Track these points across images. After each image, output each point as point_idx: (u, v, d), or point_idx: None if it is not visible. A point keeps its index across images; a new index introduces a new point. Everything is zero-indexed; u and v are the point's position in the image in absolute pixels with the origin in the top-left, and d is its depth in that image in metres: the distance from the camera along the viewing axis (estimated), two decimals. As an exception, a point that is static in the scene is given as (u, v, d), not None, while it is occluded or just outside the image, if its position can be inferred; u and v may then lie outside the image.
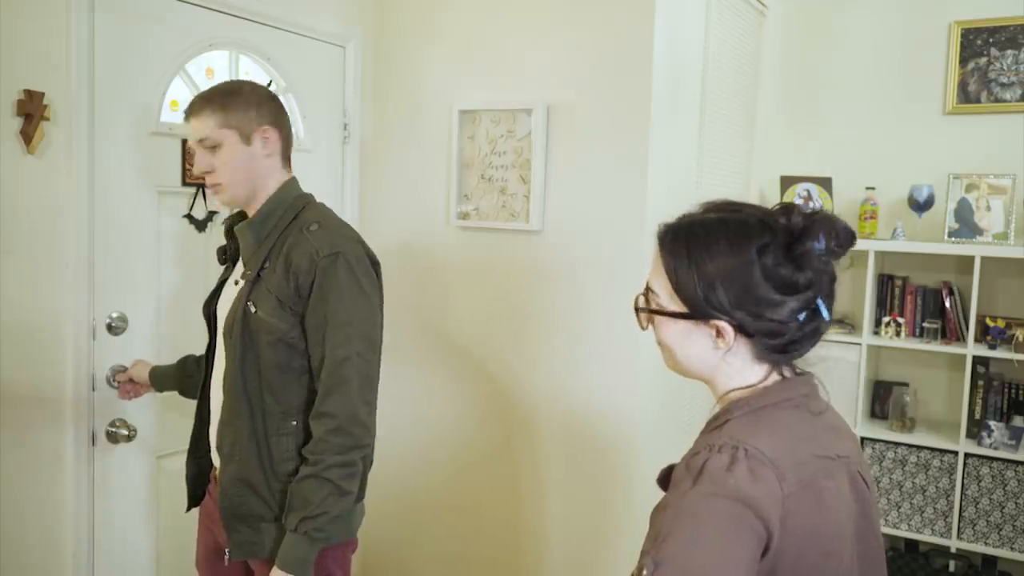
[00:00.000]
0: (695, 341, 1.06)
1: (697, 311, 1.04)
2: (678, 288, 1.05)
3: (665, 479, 1.05)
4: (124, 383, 2.05)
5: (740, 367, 1.06)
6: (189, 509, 1.90)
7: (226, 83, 1.73)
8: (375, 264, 1.72)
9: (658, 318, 1.08)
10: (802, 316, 1.02)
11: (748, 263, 1.01)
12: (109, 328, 2.09)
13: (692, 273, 1.03)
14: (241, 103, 1.65)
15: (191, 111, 1.67)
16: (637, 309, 1.11)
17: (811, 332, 1.04)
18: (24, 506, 1.94)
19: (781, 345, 1.03)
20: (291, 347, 1.63)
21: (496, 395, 2.67)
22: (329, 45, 2.67)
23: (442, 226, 2.74)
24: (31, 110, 1.84)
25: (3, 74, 1.81)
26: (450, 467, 2.76)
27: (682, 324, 1.06)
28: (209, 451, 1.82)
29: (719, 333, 1.03)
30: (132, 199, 2.12)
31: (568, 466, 2.56)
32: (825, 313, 1.02)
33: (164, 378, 2.02)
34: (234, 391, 1.65)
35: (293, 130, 1.81)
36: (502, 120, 2.58)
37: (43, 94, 1.87)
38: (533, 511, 2.62)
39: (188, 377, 1.98)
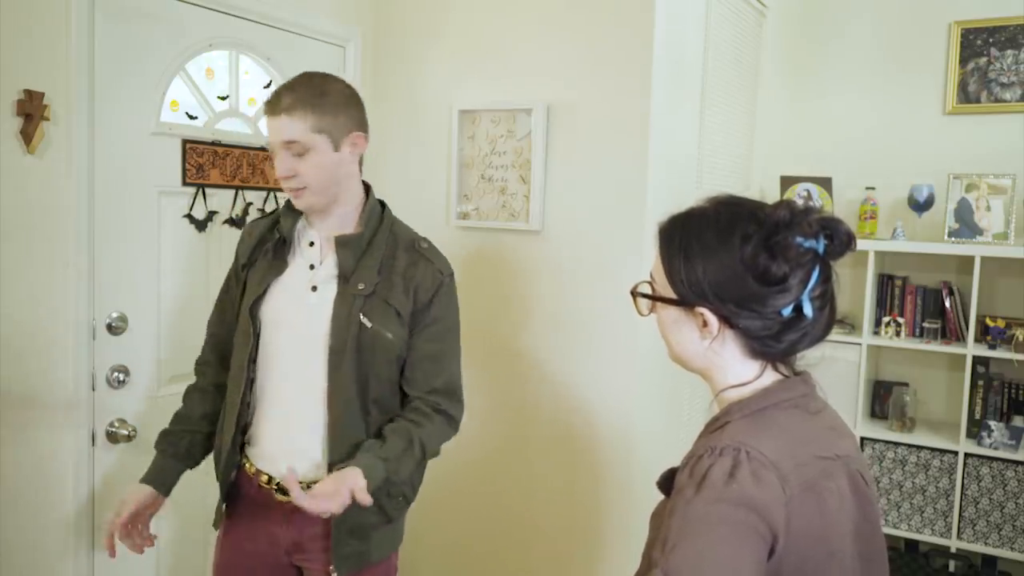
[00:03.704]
0: (683, 329, 1.08)
1: (684, 298, 1.06)
2: (669, 275, 1.07)
3: (665, 482, 1.05)
4: (124, 527, 1.66)
5: (731, 361, 1.06)
6: (218, 524, 1.76)
7: (313, 78, 1.60)
8: None
9: (657, 305, 1.10)
10: (786, 312, 1.01)
11: (731, 252, 1.02)
12: (109, 328, 2.09)
13: (680, 261, 1.06)
14: (331, 105, 1.57)
15: (279, 107, 1.54)
16: (633, 293, 1.13)
17: (798, 330, 1.03)
18: (24, 506, 1.94)
19: (766, 340, 1.03)
20: (398, 361, 1.68)
21: (495, 394, 2.67)
22: (329, 45, 2.67)
23: (442, 226, 2.74)
24: (31, 110, 1.84)
25: (3, 74, 1.81)
26: (450, 465, 2.76)
27: (672, 311, 1.08)
28: (240, 457, 1.71)
29: (704, 323, 1.04)
30: (132, 199, 2.12)
31: (567, 464, 2.56)
32: (808, 311, 1.01)
33: (163, 473, 1.72)
34: (348, 406, 1.61)
35: None
36: (502, 120, 2.58)
37: (43, 94, 1.87)
38: (532, 508, 2.62)
39: (190, 445, 1.76)
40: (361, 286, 1.62)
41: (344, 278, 1.63)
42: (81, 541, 2.05)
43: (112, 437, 2.11)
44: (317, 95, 1.56)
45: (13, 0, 1.82)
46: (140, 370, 2.17)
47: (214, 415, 1.77)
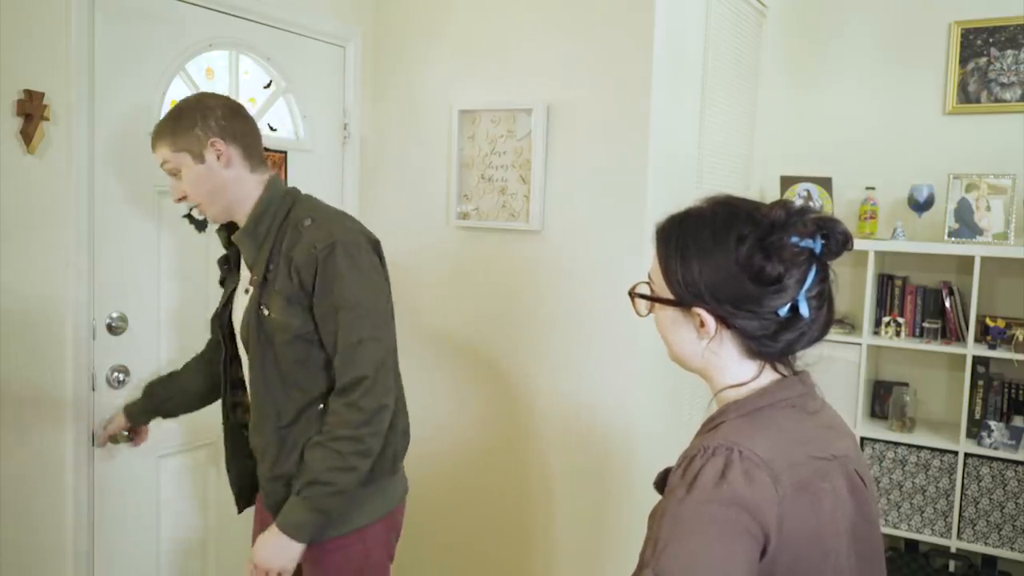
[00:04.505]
0: (681, 329, 1.08)
1: (680, 299, 1.06)
2: (666, 276, 1.07)
3: (662, 483, 1.05)
4: (109, 435, 2.05)
5: (729, 361, 1.06)
6: (241, 511, 1.94)
7: (177, 104, 1.72)
8: (374, 243, 1.73)
9: (655, 306, 1.10)
10: (783, 312, 1.01)
11: (726, 253, 1.02)
12: (109, 328, 2.09)
13: (677, 261, 1.05)
14: (185, 123, 1.66)
15: (151, 142, 1.71)
16: (631, 293, 1.13)
17: (795, 330, 1.02)
18: (24, 506, 1.94)
19: (764, 340, 1.03)
20: (308, 342, 1.65)
21: (496, 394, 2.67)
22: (329, 45, 2.67)
23: (442, 226, 2.74)
24: (31, 110, 1.84)
25: (3, 74, 1.81)
26: (450, 465, 2.76)
27: (670, 312, 1.08)
28: (250, 454, 1.87)
29: (702, 323, 1.04)
30: (132, 199, 2.12)
31: (567, 464, 2.56)
32: (805, 311, 1.01)
33: (139, 413, 2.03)
34: (259, 394, 1.68)
35: (260, 135, 1.77)
36: (502, 120, 2.58)
37: (43, 94, 1.87)
38: (532, 508, 2.62)
39: (163, 401, 2.01)
40: (255, 277, 1.67)
41: (251, 272, 1.70)
42: (81, 540, 2.05)
43: (112, 437, 2.10)
44: (172, 119, 1.68)
45: (13, 0, 1.82)
46: (140, 370, 2.17)
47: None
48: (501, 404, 2.67)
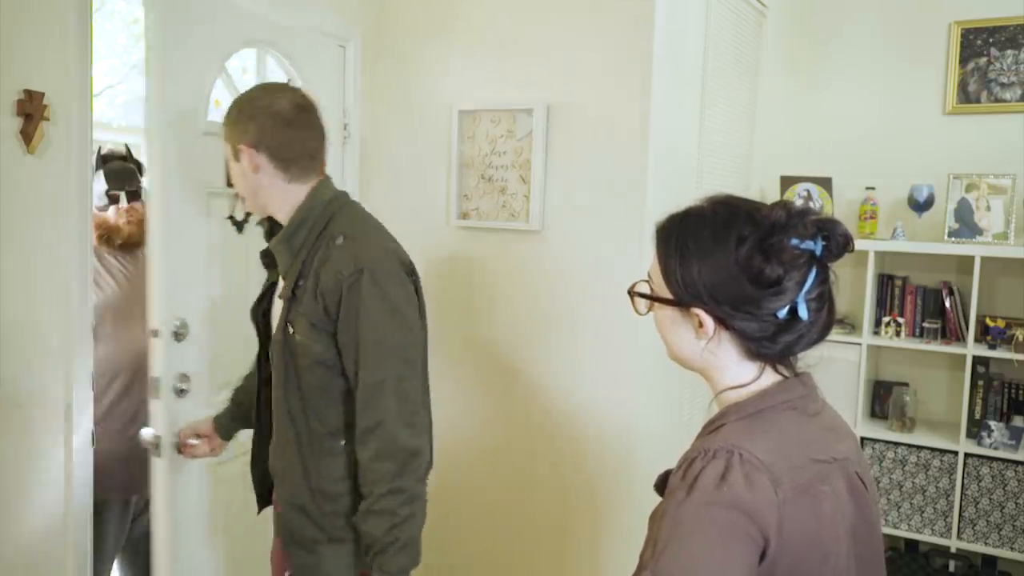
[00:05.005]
0: (679, 329, 1.08)
1: (679, 298, 1.05)
2: (665, 275, 1.07)
3: (662, 485, 1.05)
4: (188, 440, 1.94)
5: (728, 362, 1.06)
6: (260, 510, 1.87)
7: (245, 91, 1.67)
8: (408, 267, 1.64)
9: (654, 305, 1.10)
10: (782, 314, 1.01)
11: (726, 254, 1.01)
12: (175, 335, 2.03)
13: (676, 261, 1.05)
14: (230, 116, 1.63)
15: None
16: (630, 292, 1.13)
17: (794, 332, 1.02)
18: (24, 506, 1.94)
19: (762, 342, 1.03)
20: (329, 368, 1.57)
21: (495, 394, 2.67)
22: (329, 45, 2.66)
23: (442, 226, 2.74)
24: (31, 110, 1.84)
25: (3, 74, 1.81)
26: (448, 465, 2.76)
27: (669, 311, 1.08)
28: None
29: (700, 323, 1.04)
30: (184, 199, 2.08)
31: (566, 464, 2.56)
32: (804, 313, 1.01)
33: (228, 422, 1.93)
34: (280, 413, 1.62)
35: (314, 144, 1.65)
36: (502, 120, 2.58)
37: (43, 94, 1.87)
38: (532, 508, 2.62)
39: (248, 408, 1.89)
40: (286, 291, 1.61)
41: (284, 280, 1.64)
42: (81, 541, 2.05)
43: (191, 448, 2.07)
44: (231, 106, 1.64)
45: (13, 0, 1.82)
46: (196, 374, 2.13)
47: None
48: (500, 404, 2.67)
